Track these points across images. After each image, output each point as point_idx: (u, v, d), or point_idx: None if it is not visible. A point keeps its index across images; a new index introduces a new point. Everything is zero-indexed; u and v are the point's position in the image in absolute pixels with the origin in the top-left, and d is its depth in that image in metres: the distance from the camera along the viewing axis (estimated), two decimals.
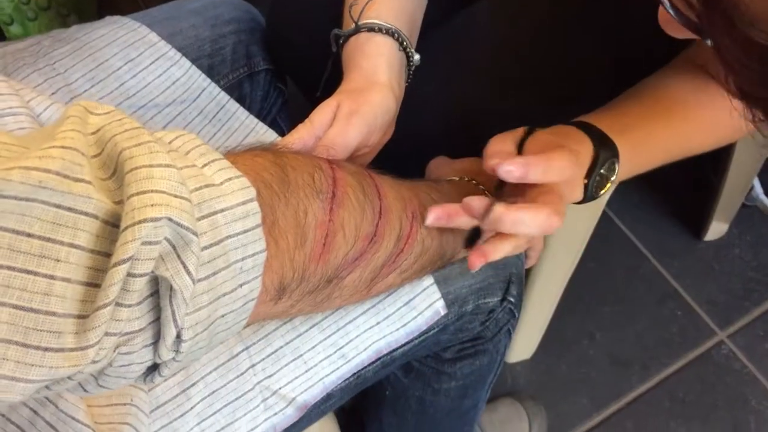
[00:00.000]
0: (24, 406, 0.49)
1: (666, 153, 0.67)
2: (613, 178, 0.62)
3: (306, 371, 0.60)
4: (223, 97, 0.76)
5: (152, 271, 0.34)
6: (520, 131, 0.60)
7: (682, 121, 0.66)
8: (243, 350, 0.59)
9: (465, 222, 0.53)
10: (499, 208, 0.50)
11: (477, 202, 0.52)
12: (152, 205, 0.33)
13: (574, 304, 1.28)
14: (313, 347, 0.60)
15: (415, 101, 0.69)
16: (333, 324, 0.61)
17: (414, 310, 0.63)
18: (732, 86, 0.41)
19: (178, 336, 0.37)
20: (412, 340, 0.64)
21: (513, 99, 0.78)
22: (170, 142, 0.41)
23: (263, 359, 0.59)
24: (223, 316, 0.40)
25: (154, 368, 0.39)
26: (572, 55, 0.78)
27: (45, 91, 0.70)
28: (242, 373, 0.59)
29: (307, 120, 0.57)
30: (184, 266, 0.35)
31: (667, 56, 0.73)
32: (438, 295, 0.64)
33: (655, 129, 0.65)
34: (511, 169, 0.51)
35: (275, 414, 0.59)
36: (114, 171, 0.35)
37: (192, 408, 0.57)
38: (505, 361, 1.25)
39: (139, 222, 0.32)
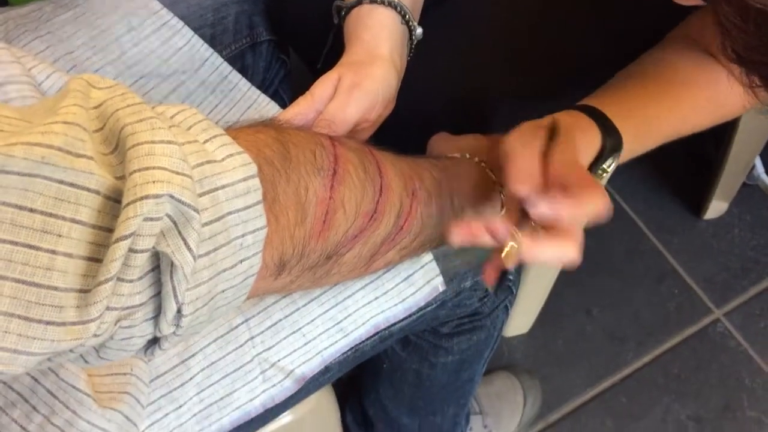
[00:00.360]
0: (25, 374, 0.49)
1: (668, 134, 0.67)
2: (610, 169, 0.62)
3: (304, 344, 0.61)
4: (226, 67, 0.76)
5: (153, 247, 0.34)
6: (542, 130, 0.57)
7: (686, 101, 0.66)
8: (242, 323, 0.59)
9: (489, 241, 0.51)
10: (524, 244, 0.49)
11: (501, 228, 0.49)
12: (154, 182, 0.33)
13: (572, 280, 1.29)
14: (312, 321, 0.61)
15: (417, 76, 0.69)
16: (332, 298, 0.62)
17: (413, 286, 0.64)
18: (729, 52, 0.42)
19: (179, 311, 0.37)
20: (410, 316, 0.65)
21: (517, 75, 0.78)
22: (172, 117, 0.41)
23: (262, 332, 0.60)
24: (223, 291, 0.40)
25: (154, 341, 0.39)
26: (578, 31, 0.77)
27: (47, 58, 0.70)
28: (241, 345, 0.59)
29: (307, 93, 0.57)
30: (185, 242, 0.35)
31: (669, 28, 0.72)
32: (437, 271, 0.65)
33: (660, 112, 0.65)
34: (543, 212, 0.49)
35: (273, 386, 0.60)
36: (116, 146, 0.35)
37: (191, 378, 0.58)
38: (502, 335, 1.26)
39: (141, 198, 0.33)
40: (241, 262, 0.40)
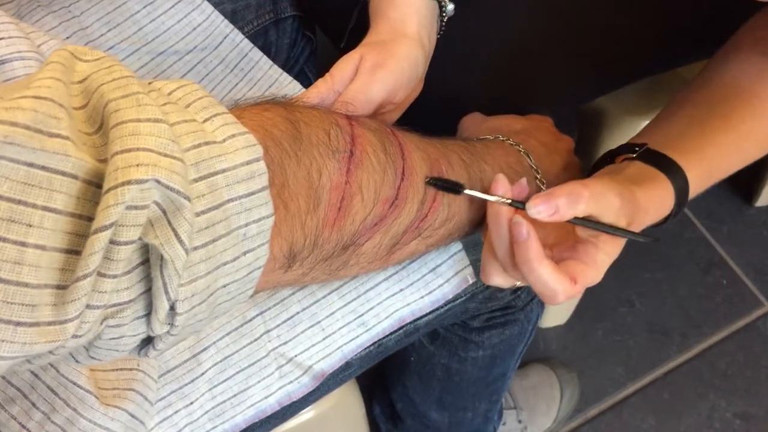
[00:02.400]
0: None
1: (740, 163, 0.60)
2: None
3: (324, 339, 0.57)
4: (246, 44, 0.72)
5: (140, 239, 0.31)
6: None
7: (761, 123, 0.58)
8: (257, 315, 0.56)
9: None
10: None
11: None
12: (137, 165, 0.29)
13: (614, 269, 1.22)
14: (332, 314, 0.57)
15: (448, 54, 0.64)
16: (353, 290, 0.58)
17: (440, 277, 0.59)
18: None
19: (172, 308, 0.33)
20: (437, 309, 0.60)
21: (556, 52, 0.72)
22: (170, 93, 0.37)
23: (279, 325, 0.56)
24: (224, 286, 0.36)
25: (149, 341, 0.36)
26: (622, 9, 0.72)
27: (59, 34, 0.67)
28: (256, 339, 0.56)
29: (327, 74, 0.53)
30: (176, 234, 0.31)
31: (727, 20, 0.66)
32: (467, 261, 0.60)
33: (737, 145, 0.58)
34: (540, 210, 0.46)
35: (290, 382, 0.57)
36: (100, 125, 0.32)
37: (203, 374, 0.55)
38: (538, 325, 1.21)
39: (123, 184, 0.29)
40: (244, 254, 0.37)
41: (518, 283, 0.51)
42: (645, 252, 1.29)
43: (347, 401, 0.71)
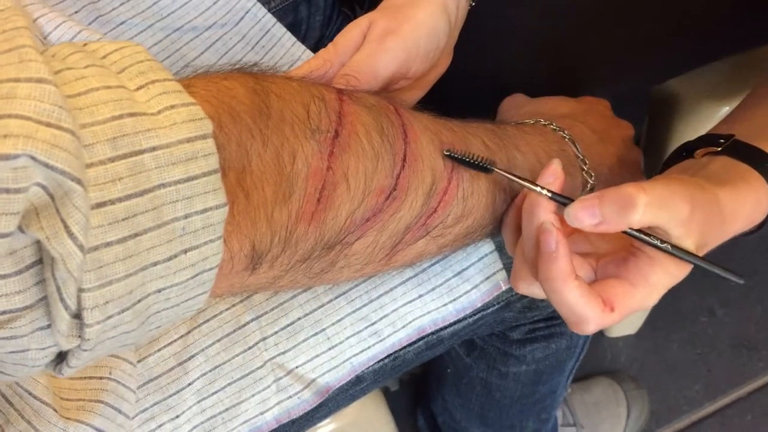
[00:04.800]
0: None
1: None
2: None
3: (329, 349, 0.50)
4: (269, 20, 0.66)
5: (22, 231, 0.24)
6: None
7: None
8: (253, 320, 0.49)
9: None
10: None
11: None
12: (5, 137, 0.23)
13: (694, 274, 1.11)
14: (339, 321, 0.50)
15: (485, 23, 0.56)
16: (364, 294, 0.50)
17: (467, 282, 0.51)
18: None
19: (78, 317, 0.27)
20: (464, 318, 0.52)
21: (618, 23, 0.62)
22: (105, 56, 0.31)
23: (276, 332, 0.49)
24: (159, 291, 0.30)
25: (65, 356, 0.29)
26: None
27: (68, 8, 0.62)
28: (250, 347, 0.49)
29: (330, 43, 0.46)
30: (65, 226, 0.25)
31: None
32: (499, 264, 0.52)
33: None
34: (580, 218, 0.38)
35: (289, 397, 0.50)
36: None
37: (190, 384, 0.49)
38: (605, 335, 1.11)
39: None
40: (185, 252, 0.30)
41: None
42: (730, 257, 1.16)
43: (369, 416, 0.64)
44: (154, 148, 0.28)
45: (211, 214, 0.30)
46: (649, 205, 0.37)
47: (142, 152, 0.28)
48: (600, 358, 1.09)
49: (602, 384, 1.03)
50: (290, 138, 0.34)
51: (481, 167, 0.40)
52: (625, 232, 0.39)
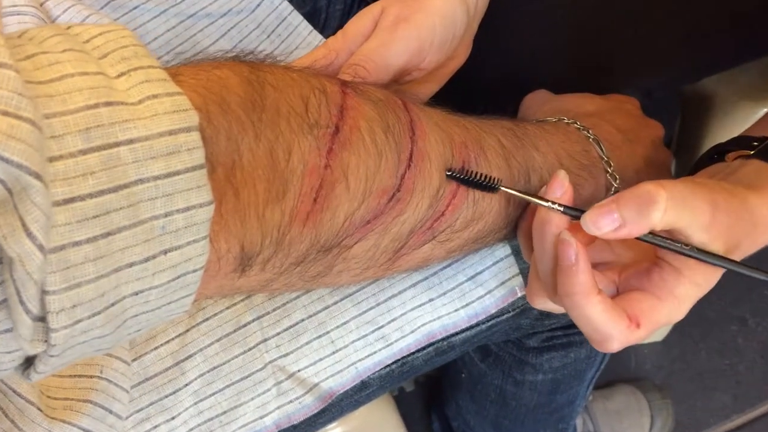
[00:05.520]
0: None
1: None
2: None
3: (333, 353, 0.48)
4: (286, 8, 0.64)
5: None
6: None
7: None
8: (254, 320, 0.47)
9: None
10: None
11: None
12: None
13: (724, 279, 1.07)
14: (344, 323, 0.48)
15: (507, 13, 0.53)
16: (371, 297, 0.48)
17: (481, 286, 0.49)
18: None
19: (43, 321, 0.25)
20: (476, 325, 0.50)
21: (651, 15, 0.59)
22: (88, 40, 0.29)
23: (278, 333, 0.47)
24: (137, 293, 0.28)
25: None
26: None
27: None
28: (251, 349, 0.47)
29: (339, 31, 0.43)
30: (23, 224, 0.23)
31: None
32: (515, 269, 0.49)
33: None
34: (600, 225, 0.35)
35: (290, 402, 0.48)
36: None
37: (187, 385, 0.47)
38: None
39: None
40: (165, 253, 0.28)
41: None
42: (764, 261, 1.11)
43: (377, 420, 0.61)
44: (131, 141, 0.26)
45: (194, 212, 0.28)
46: (670, 200, 0.34)
47: (117, 145, 0.26)
48: (624, 365, 1.06)
49: (625, 392, 0.99)
50: (286, 132, 0.32)
51: (485, 186, 0.38)
52: (646, 240, 0.36)
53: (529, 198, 0.38)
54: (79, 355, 0.28)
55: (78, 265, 0.25)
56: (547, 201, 0.37)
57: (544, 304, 0.40)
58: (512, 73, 0.56)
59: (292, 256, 0.33)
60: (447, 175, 0.37)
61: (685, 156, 0.77)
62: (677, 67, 0.64)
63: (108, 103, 0.26)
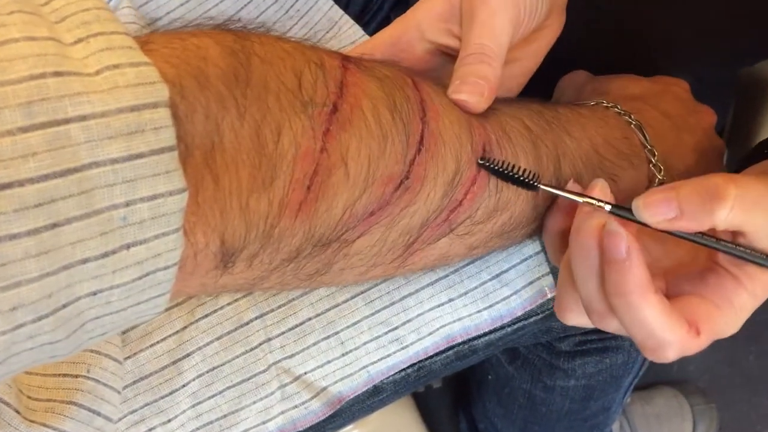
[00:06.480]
0: None
1: None
2: None
3: (343, 355, 0.44)
4: None
5: None
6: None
7: None
8: (256, 318, 0.44)
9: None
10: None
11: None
12: None
13: None
14: (355, 324, 0.44)
15: None
16: (385, 295, 0.44)
17: (506, 286, 0.44)
18: None
19: None
20: (501, 328, 0.46)
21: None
22: (47, 2, 0.25)
23: (283, 333, 0.44)
24: (94, 294, 0.24)
25: None
26: None
27: None
28: (253, 348, 0.44)
29: (408, 12, 0.38)
30: None
31: None
32: (545, 268, 0.45)
33: None
34: (654, 212, 0.31)
35: (295, 406, 0.44)
36: None
37: (184, 386, 0.43)
38: None
39: None
40: (127, 248, 0.24)
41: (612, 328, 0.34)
42: None
43: (396, 422, 0.58)
44: (83, 117, 0.22)
45: (163, 201, 0.24)
46: (740, 199, 0.30)
47: (67, 122, 0.22)
48: (665, 367, 1.00)
49: (666, 395, 0.94)
50: (275, 111, 0.28)
51: (524, 183, 0.33)
52: (694, 239, 0.32)
53: (577, 198, 0.33)
54: (29, 362, 0.24)
55: (16, 261, 0.21)
56: (594, 199, 0.33)
57: (578, 318, 0.35)
58: (548, 52, 0.51)
59: (283, 252, 0.29)
60: (479, 164, 0.33)
61: (738, 146, 0.71)
62: (732, 47, 0.58)
63: (57, 73, 0.22)
